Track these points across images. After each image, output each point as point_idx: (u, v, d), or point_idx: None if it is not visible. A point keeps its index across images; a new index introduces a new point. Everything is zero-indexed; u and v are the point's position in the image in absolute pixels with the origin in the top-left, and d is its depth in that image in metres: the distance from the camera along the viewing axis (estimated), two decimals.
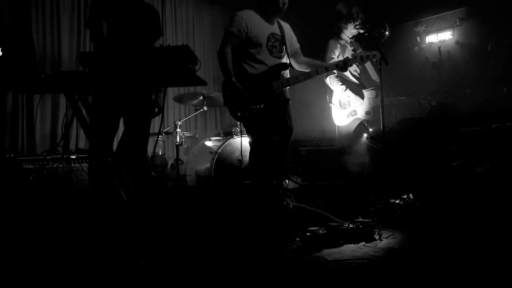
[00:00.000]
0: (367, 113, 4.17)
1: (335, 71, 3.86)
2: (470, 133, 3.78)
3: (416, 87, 5.42)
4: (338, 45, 4.27)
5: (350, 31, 4.26)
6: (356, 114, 4.20)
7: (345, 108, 4.24)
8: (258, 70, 3.23)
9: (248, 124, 3.30)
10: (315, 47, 4.43)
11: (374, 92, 4.14)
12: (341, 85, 4.21)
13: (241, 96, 3.13)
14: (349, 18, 4.21)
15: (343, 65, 3.36)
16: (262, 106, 3.16)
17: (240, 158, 4.29)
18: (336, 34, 4.34)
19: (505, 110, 4.02)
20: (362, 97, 4.16)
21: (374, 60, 3.44)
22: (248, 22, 3.21)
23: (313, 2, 5.70)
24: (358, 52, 3.38)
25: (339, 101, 4.29)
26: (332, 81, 4.27)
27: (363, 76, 4.36)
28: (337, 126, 4.38)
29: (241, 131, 4.51)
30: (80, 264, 2.19)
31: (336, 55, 4.24)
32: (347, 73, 4.28)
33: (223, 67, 3.17)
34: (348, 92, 4.18)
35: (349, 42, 4.30)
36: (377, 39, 4.09)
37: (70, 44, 5.56)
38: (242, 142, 4.43)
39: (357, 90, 4.21)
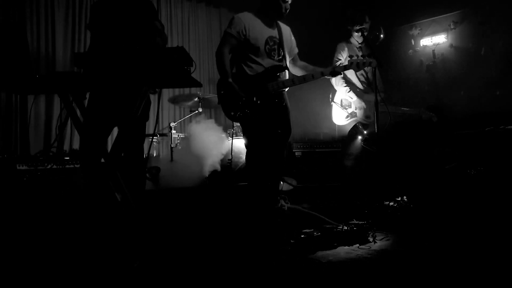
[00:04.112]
0: (367, 117, 4.21)
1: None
2: (464, 135, 3.81)
3: (411, 89, 5.46)
4: (346, 48, 4.31)
5: (355, 35, 4.30)
6: (355, 116, 4.24)
7: (346, 108, 4.29)
8: (255, 72, 3.24)
9: (243, 125, 3.31)
10: (320, 49, 4.47)
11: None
12: (345, 86, 4.27)
13: (235, 96, 3.14)
14: (354, 22, 4.25)
15: (338, 72, 3.36)
16: (254, 106, 3.16)
17: (230, 158, 4.27)
18: (346, 37, 4.37)
19: (499, 113, 4.05)
20: (364, 101, 4.19)
21: (370, 67, 3.45)
22: (247, 25, 3.22)
23: (315, 5, 5.74)
24: (354, 58, 3.37)
25: (341, 100, 4.34)
26: (337, 81, 4.32)
27: (368, 80, 4.36)
28: (337, 126, 4.42)
29: (232, 129, 4.51)
30: (73, 265, 2.18)
31: (344, 58, 4.27)
32: (353, 76, 4.31)
33: (220, 67, 3.18)
34: (351, 94, 4.24)
35: (358, 46, 4.32)
36: (372, 42, 4.12)
37: (65, 45, 5.54)
38: (236, 144, 4.43)
39: (360, 93, 4.25)
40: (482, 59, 5.21)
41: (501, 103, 4.75)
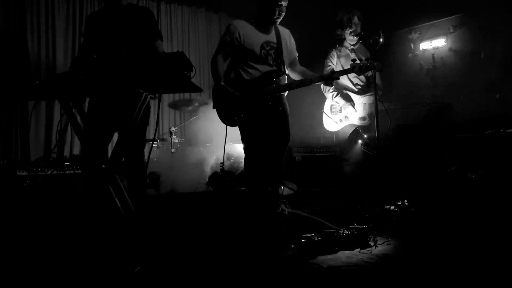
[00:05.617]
0: (361, 118, 4.19)
1: None
2: (464, 139, 3.80)
3: (410, 93, 5.46)
4: (336, 53, 4.32)
5: (349, 39, 4.29)
6: (348, 119, 4.22)
7: (335, 114, 4.27)
8: (252, 76, 3.25)
9: (240, 129, 3.30)
10: (315, 52, 4.47)
11: (371, 98, 4.11)
12: (331, 92, 4.25)
13: (229, 98, 3.13)
14: (342, 26, 4.26)
15: (336, 76, 3.37)
16: (250, 110, 3.16)
17: (222, 162, 4.25)
18: (338, 42, 4.38)
19: (498, 116, 4.04)
20: (353, 104, 4.17)
21: (375, 70, 3.42)
22: (242, 31, 3.25)
23: (313, 8, 5.75)
24: (357, 62, 3.34)
25: (330, 107, 4.33)
26: (324, 88, 4.32)
27: (368, 81, 4.34)
28: (334, 132, 4.41)
29: (226, 134, 4.49)
30: (74, 270, 2.17)
31: (334, 63, 4.28)
32: (345, 80, 4.30)
33: (213, 73, 3.23)
34: (338, 98, 4.22)
35: (350, 49, 4.32)
36: (372, 46, 4.11)
37: (65, 50, 5.56)
38: (238, 148, 4.44)
39: (347, 96, 4.23)
40: (481, 62, 5.21)
41: (501, 107, 4.75)
